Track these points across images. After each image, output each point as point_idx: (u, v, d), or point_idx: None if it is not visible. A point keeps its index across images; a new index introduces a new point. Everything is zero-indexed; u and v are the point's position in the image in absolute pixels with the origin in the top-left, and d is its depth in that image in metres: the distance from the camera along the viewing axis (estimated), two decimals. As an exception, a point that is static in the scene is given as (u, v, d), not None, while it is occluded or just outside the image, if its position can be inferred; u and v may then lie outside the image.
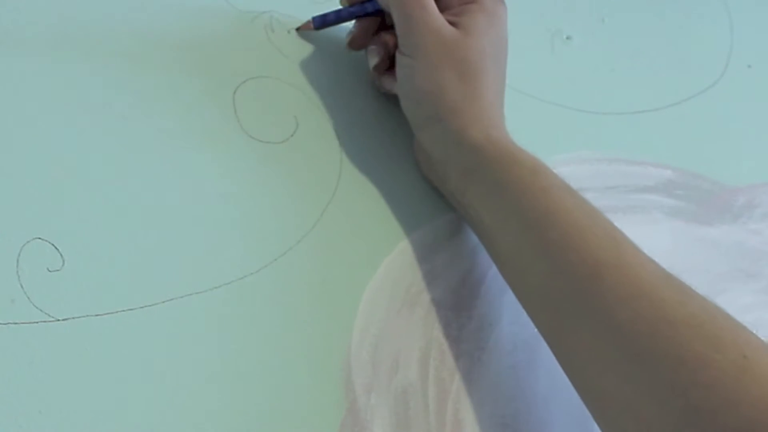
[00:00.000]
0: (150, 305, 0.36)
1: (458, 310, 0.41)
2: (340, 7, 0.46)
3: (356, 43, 0.45)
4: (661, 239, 0.47)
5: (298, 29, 0.46)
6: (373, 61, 0.44)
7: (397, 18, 0.41)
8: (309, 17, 0.47)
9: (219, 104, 0.43)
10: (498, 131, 0.40)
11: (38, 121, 0.39)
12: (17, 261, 0.35)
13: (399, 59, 0.42)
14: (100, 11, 0.44)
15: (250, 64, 0.45)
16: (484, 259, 0.43)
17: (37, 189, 0.37)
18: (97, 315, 0.35)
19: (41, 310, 0.34)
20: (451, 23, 0.41)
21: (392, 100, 0.45)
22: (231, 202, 0.40)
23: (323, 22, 0.46)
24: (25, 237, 0.36)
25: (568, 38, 0.56)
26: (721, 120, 0.55)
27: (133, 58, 0.43)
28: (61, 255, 0.36)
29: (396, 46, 0.43)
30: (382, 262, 0.41)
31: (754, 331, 0.33)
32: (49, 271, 0.35)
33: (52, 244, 0.36)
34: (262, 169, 0.42)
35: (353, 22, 0.46)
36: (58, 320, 0.34)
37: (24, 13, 0.42)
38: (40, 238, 0.36)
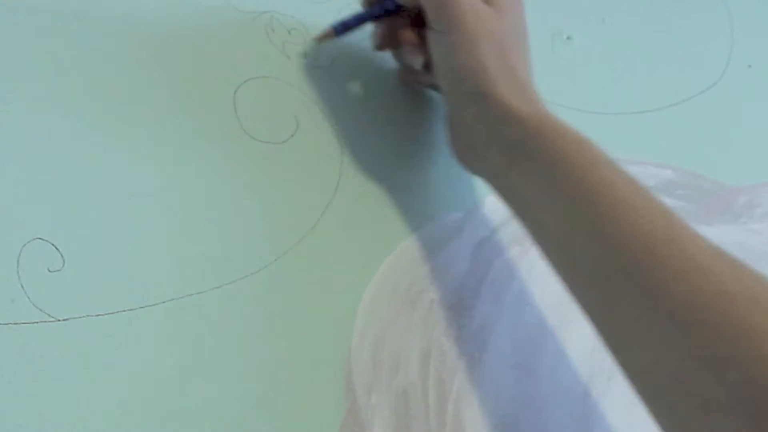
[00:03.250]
0: (150, 305, 0.36)
1: (458, 311, 0.41)
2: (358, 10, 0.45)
3: (386, 43, 0.45)
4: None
5: (319, 40, 0.45)
6: (419, 61, 0.44)
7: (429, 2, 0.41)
8: (310, 18, 0.46)
9: (219, 104, 0.43)
10: (541, 105, 0.40)
11: (38, 121, 0.39)
12: (17, 261, 0.35)
13: (434, 38, 0.41)
14: (100, 11, 0.44)
15: (251, 64, 0.45)
16: (485, 259, 0.43)
17: (37, 189, 0.37)
18: (97, 315, 0.35)
19: (41, 310, 0.34)
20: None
21: (393, 99, 0.45)
22: (231, 202, 0.40)
23: (344, 27, 0.45)
24: (25, 237, 0.36)
25: (568, 38, 0.56)
26: (721, 120, 0.55)
27: (133, 59, 0.43)
28: (61, 255, 0.36)
29: (424, 46, 0.43)
30: (383, 263, 0.41)
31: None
32: (50, 271, 0.35)
33: (53, 244, 0.36)
34: (262, 169, 0.42)
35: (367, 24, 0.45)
36: (58, 320, 0.34)
37: (24, 12, 0.42)
38: (40, 238, 0.36)
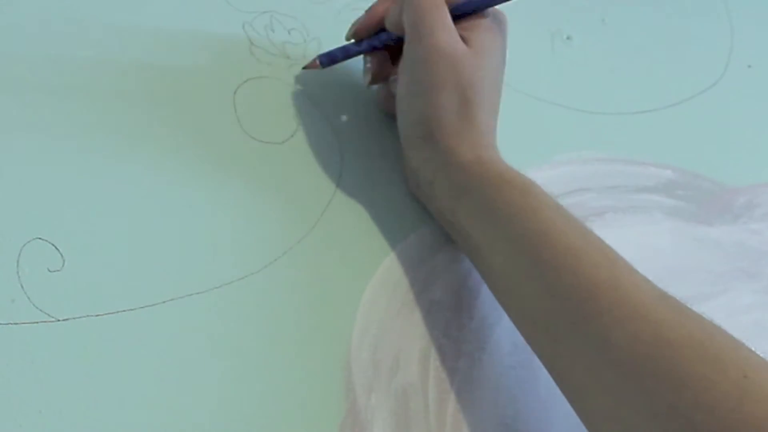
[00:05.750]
0: (150, 305, 0.36)
1: (458, 311, 0.41)
2: (345, 43, 0.45)
3: (378, 78, 0.45)
4: (661, 239, 0.47)
5: (304, 68, 0.45)
6: (366, 79, 0.44)
7: (410, 19, 0.40)
8: (310, 18, 0.46)
9: (219, 104, 0.43)
10: (488, 152, 0.40)
11: (38, 121, 0.39)
12: (17, 261, 0.35)
13: (401, 77, 0.41)
14: (101, 11, 0.44)
15: (251, 64, 0.45)
16: (484, 259, 0.43)
17: (37, 189, 0.37)
18: (97, 315, 0.35)
19: (41, 310, 0.34)
20: (462, 38, 0.41)
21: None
22: (231, 202, 0.40)
23: (330, 59, 0.45)
24: (25, 237, 0.36)
25: (568, 38, 0.56)
26: (721, 120, 0.55)
27: (133, 59, 0.43)
28: (61, 255, 0.36)
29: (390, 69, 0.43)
30: (382, 263, 0.41)
31: (755, 332, 0.33)
32: (50, 271, 0.35)
33: (53, 244, 0.36)
34: (262, 170, 0.42)
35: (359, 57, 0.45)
36: (58, 320, 0.34)
37: (24, 12, 0.42)
38: (40, 238, 0.36)
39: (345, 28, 0.44)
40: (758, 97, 0.58)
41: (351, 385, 0.37)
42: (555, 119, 0.51)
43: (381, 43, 0.44)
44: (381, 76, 0.44)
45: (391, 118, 0.44)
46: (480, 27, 0.41)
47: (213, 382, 0.35)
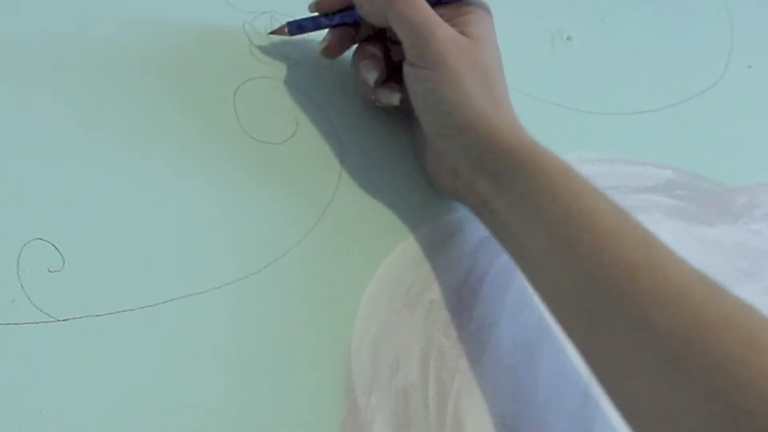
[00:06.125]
0: (150, 305, 0.36)
1: (458, 311, 0.41)
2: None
3: (332, 50, 0.44)
4: (661, 239, 0.47)
5: (271, 32, 0.45)
6: (372, 75, 0.43)
7: (407, 32, 0.41)
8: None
9: (219, 104, 0.43)
10: (525, 133, 0.40)
11: (38, 120, 0.39)
12: (18, 261, 0.35)
13: (414, 73, 0.41)
14: (101, 11, 0.44)
15: (251, 64, 0.45)
16: (485, 259, 0.43)
17: (37, 189, 0.37)
18: (97, 315, 0.35)
19: (41, 310, 0.34)
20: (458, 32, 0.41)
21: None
22: (231, 202, 0.40)
23: (299, 28, 0.44)
24: (25, 237, 0.36)
25: (568, 38, 0.56)
26: (721, 120, 0.55)
27: (132, 59, 0.43)
28: (61, 255, 0.36)
29: (384, 57, 0.43)
30: (383, 263, 0.41)
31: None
32: (50, 271, 0.35)
33: (53, 245, 0.36)
34: (262, 170, 0.42)
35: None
36: (58, 320, 0.34)
37: (23, 13, 0.42)
38: (40, 239, 0.36)
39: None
40: (758, 97, 0.57)
41: (351, 385, 0.37)
42: (555, 119, 0.51)
43: (352, 20, 0.44)
44: (338, 47, 0.44)
45: (400, 113, 0.44)
46: (471, 18, 0.42)
47: (213, 382, 0.35)
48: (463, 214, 0.44)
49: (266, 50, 0.46)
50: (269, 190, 0.41)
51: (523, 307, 0.42)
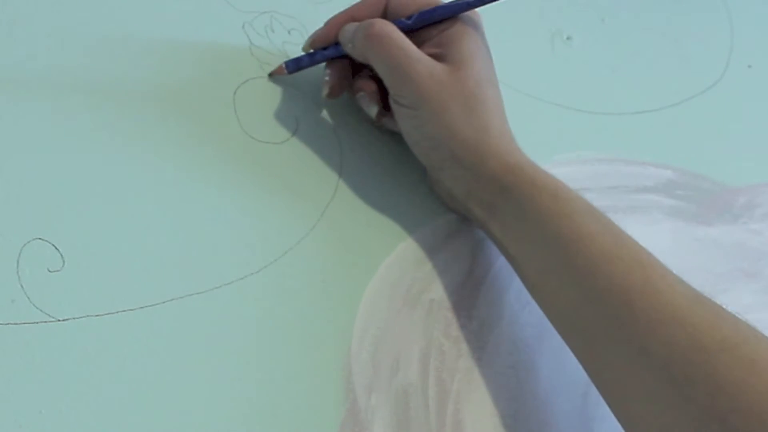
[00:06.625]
0: (150, 305, 0.36)
1: (458, 311, 0.41)
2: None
3: (336, 91, 0.44)
4: (661, 239, 0.47)
5: (270, 74, 0.45)
6: (373, 110, 0.43)
7: (384, 71, 0.40)
8: (310, 18, 0.46)
9: (219, 104, 0.43)
10: (513, 156, 0.40)
11: (38, 120, 0.39)
12: (17, 261, 0.35)
13: (398, 111, 0.41)
14: (101, 11, 0.44)
15: (251, 64, 0.45)
16: (484, 259, 0.43)
17: (37, 189, 0.37)
18: (97, 315, 0.35)
19: (41, 310, 0.34)
20: (437, 56, 0.40)
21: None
22: (231, 202, 0.40)
23: (297, 66, 0.44)
24: (25, 237, 0.36)
25: (568, 38, 0.56)
26: (721, 120, 0.55)
27: (132, 59, 0.43)
28: (61, 255, 0.36)
29: (377, 90, 0.42)
30: (382, 263, 0.41)
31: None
32: (50, 271, 0.35)
33: (53, 245, 0.36)
34: (262, 170, 0.42)
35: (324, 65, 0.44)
36: (58, 320, 0.34)
37: (24, 12, 0.42)
38: (40, 239, 0.36)
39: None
40: (758, 97, 0.57)
41: (351, 385, 0.37)
42: (555, 119, 0.51)
43: (345, 52, 0.43)
44: (340, 87, 0.44)
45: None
46: (453, 38, 0.41)
47: (213, 382, 0.35)
48: (463, 214, 0.44)
49: (266, 50, 0.46)
50: (269, 190, 0.41)
51: (523, 307, 0.42)
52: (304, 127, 0.44)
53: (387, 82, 0.41)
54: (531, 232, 0.37)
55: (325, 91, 0.44)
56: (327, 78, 0.44)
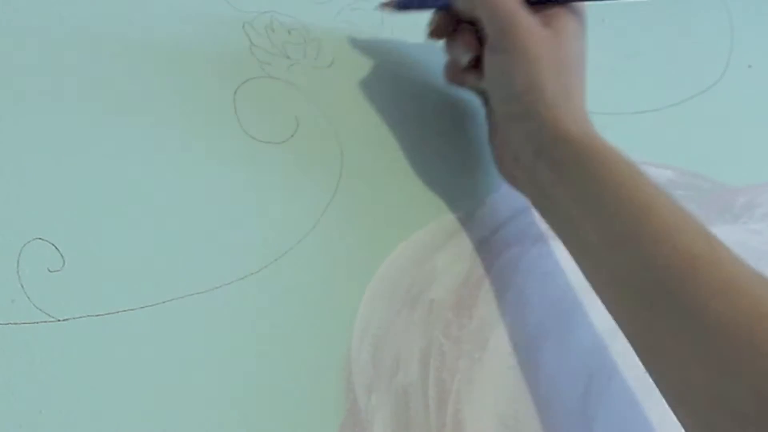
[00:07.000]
0: (150, 305, 0.36)
1: (458, 310, 0.41)
2: None
3: (440, 32, 0.45)
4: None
5: (381, 5, 0.47)
6: (466, 57, 0.44)
7: (491, 19, 0.42)
8: (310, 18, 0.46)
9: (219, 104, 0.43)
10: (591, 127, 0.41)
11: (38, 120, 0.39)
12: (18, 261, 0.35)
13: (491, 59, 0.42)
14: (101, 11, 0.44)
15: (251, 64, 0.45)
16: (485, 259, 0.43)
17: (37, 189, 0.37)
18: (97, 315, 0.35)
19: (41, 310, 0.34)
20: (541, 25, 0.42)
21: (393, 100, 0.45)
22: (231, 203, 0.40)
23: (407, 5, 0.46)
24: (25, 237, 0.36)
25: (568, 38, 0.56)
26: (721, 120, 0.55)
27: (132, 59, 0.43)
28: (61, 255, 0.36)
29: (477, 44, 0.44)
30: (383, 263, 0.41)
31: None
32: (50, 271, 0.35)
33: (53, 245, 0.36)
34: (262, 169, 0.42)
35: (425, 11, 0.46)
36: (58, 320, 0.34)
37: (24, 12, 0.42)
38: (40, 239, 0.36)
39: (345, 28, 0.44)
40: (758, 97, 0.57)
41: (351, 385, 0.37)
42: (555, 119, 0.51)
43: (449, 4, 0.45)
44: (442, 32, 0.45)
45: (400, 113, 0.44)
46: (559, 14, 0.43)
47: (213, 382, 0.35)
48: (463, 214, 0.44)
49: (266, 50, 0.46)
50: (269, 190, 0.41)
51: (523, 307, 0.42)
52: (304, 127, 0.44)
53: (490, 28, 0.42)
54: (600, 196, 0.38)
55: (431, 27, 0.45)
56: (435, 17, 0.45)
